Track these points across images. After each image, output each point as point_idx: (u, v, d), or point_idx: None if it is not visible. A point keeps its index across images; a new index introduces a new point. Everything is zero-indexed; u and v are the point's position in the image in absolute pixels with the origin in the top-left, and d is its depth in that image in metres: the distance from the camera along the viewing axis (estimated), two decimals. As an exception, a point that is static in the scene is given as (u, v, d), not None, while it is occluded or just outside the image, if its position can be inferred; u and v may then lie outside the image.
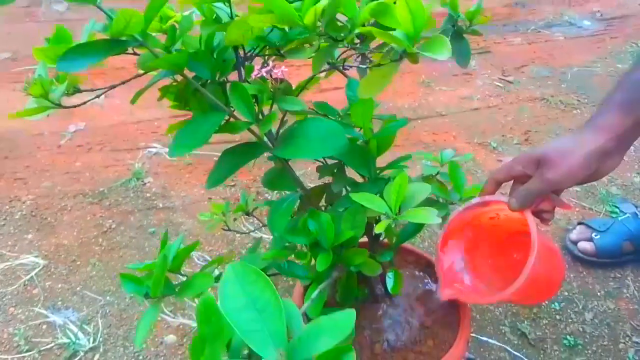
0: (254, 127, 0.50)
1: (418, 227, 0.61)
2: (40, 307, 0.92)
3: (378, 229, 0.46)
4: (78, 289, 0.96)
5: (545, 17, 2.14)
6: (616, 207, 1.14)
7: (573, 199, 1.19)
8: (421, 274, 0.73)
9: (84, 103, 0.51)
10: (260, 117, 0.50)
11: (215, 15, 0.49)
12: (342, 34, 0.43)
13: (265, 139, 0.52)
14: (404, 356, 0.61)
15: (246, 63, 0.54)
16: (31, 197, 1.16)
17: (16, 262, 1.00)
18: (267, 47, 0.56)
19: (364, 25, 0.42)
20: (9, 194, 1.17)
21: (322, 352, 0.31)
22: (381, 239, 0.62)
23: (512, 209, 0.55)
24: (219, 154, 0.54)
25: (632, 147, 1.35)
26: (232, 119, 0.52)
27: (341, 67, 0.57)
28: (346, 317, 0.34)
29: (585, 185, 1.22)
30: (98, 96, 0.50)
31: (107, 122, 1.42)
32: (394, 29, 0.42)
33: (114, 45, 0.45)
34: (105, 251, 1.03)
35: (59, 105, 0.47)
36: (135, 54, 0.48)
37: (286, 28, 0.55)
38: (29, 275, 0.98)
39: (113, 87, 0.52)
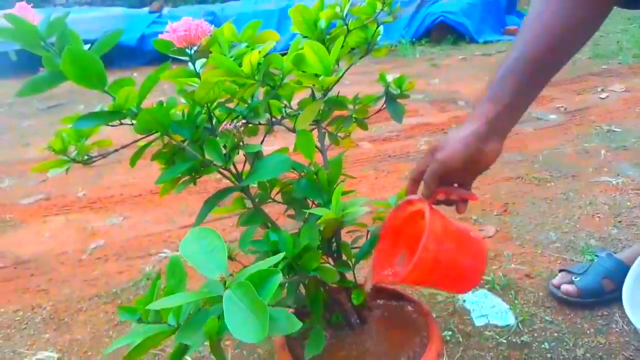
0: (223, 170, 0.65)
1: (370, 247, 0.71)
2: (51, 394, 0.97)
3: (320, 214, 0.57)
4: (88, 375, 1.01)
5: (516, 117, 2.38)
6: (595, 255, 1.20)
7: (555, 254, 1.25)
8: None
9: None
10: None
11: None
12: (277, 82, 0.60)
13: (235, 180, 0.67)
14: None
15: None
16: (51, 303, 1.27)
17: (33, 359, 1.07)
18: (235, 117, 0.74)
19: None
20: (32, 303, 1.28)
21: (253, 272, 0.41)
22: (343, 258, 0.72)
23: (424, 195, 0.65)
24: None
25: (607, 205, 1.45)
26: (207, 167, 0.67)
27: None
28: (276, 257, 0.45)
29: (564, 240, 1.30)
30: (104, 156, 0.66)
31: (124, 237, 1.57)
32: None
33: (116, 115, 0.62)
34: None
35: (75, 160, 0.63)
36: (132, 124, 0.65)
37: (249, 100, 0.73)
38: (43, 367, 1.04)
39: (116, 150, 0.68)
